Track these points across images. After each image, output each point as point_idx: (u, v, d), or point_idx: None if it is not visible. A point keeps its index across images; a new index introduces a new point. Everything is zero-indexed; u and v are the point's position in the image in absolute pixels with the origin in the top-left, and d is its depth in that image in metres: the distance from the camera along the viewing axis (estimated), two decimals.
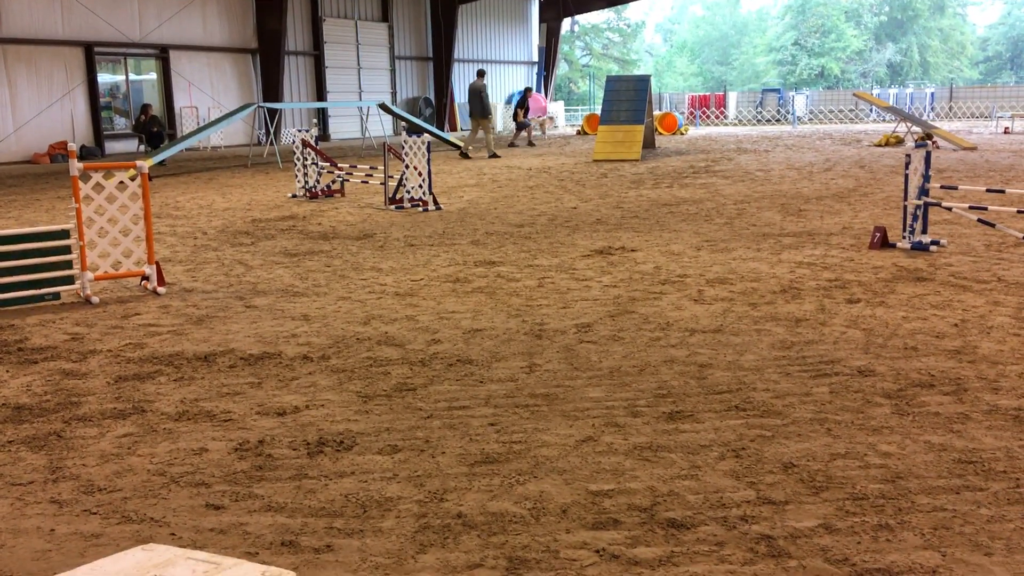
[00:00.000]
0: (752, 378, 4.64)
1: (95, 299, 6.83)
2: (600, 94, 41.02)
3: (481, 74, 23.07)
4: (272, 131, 24.39)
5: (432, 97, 37.07)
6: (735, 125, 41.08)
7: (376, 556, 2.92)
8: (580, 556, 2.88)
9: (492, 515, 3.18)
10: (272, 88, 29.11)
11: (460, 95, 38.49)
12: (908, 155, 8.26)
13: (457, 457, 3.71)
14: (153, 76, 26.87)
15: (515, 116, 26.97)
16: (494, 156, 21.35)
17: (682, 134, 31.94)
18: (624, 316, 6.02)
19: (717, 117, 43.18)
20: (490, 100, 23.58)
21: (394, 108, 26.86)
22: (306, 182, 13.90)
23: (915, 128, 23.51)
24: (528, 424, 4.07)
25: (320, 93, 32.10)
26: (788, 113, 40.44)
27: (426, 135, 12.10)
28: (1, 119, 21.93)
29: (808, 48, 64.26)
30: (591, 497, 3.30)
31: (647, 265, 7.81)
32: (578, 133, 34.07)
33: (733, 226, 9.97)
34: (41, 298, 6.72)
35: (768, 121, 41.47)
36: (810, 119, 41.35)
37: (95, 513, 3.28)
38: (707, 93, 50.42)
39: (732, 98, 46.27)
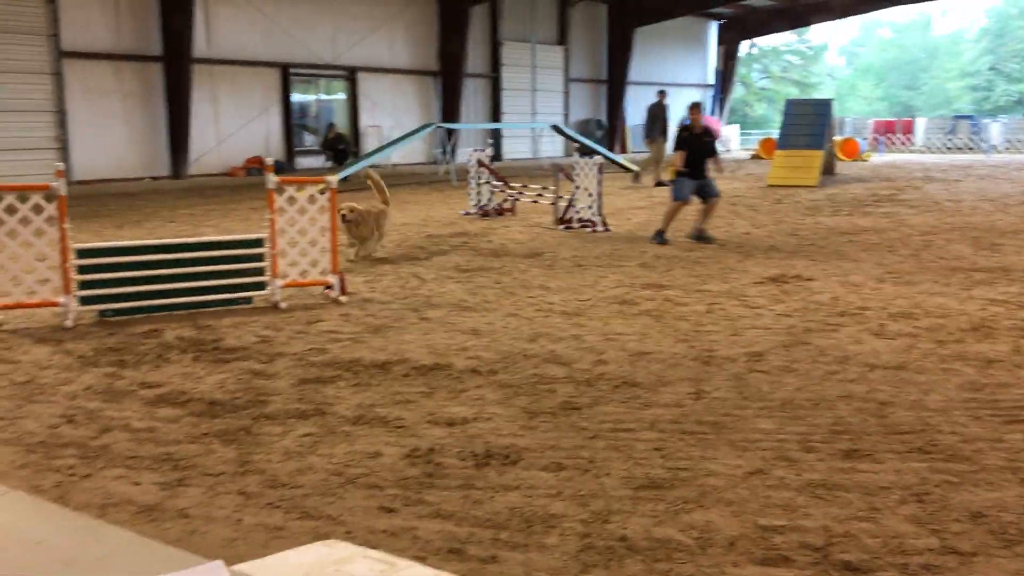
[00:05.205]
0: (938, 419, 4.38)
1: (283, 304, 7.24)
2: (777, 117, 39.86)
3: (662, 94, 21.74)
4: (449, 150, 25.12)
5: (605, 119, 37.15)
6: (923, 152, 38.97)
7: (540, 572, 2.94)
8: None
9: (657, 541, 3.14)
10: (450, 109, 30.01)
11: (632, 118, 38.38)
12: None
13: (621, 479, 3.69)
14: (342, 96, 28.27)
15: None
16: (660, 184, 20.16)
17: (864, 160, 30.59)
18: (798, 347, 5.82)
19: (903, 143, 41.09)
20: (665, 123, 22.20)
21: (567, 130, 27.10)
22: (479, 200, 14.23)
23: None
24: (694, 451, 4.00)
25: (495, 114, 32.81)
26: (982, 141, 37.97)
27: (598, 157, 12.14)
28: (206, 133, 23.58)
29: (1006, 73, 60.21)
30: (760, 531, 3.21)
31: (824, 295, 7.52)
32: (752, 157, 33.26)
33: (919, 258, 9.45)
34: (235, 302, 7.20)
35: (959, 149, 39.06)
36: (1006, 148, 38.62)
37: (278, 507, 3.48)
38: (892, 119, 48.09)
39: (920, 124, 43.89)
